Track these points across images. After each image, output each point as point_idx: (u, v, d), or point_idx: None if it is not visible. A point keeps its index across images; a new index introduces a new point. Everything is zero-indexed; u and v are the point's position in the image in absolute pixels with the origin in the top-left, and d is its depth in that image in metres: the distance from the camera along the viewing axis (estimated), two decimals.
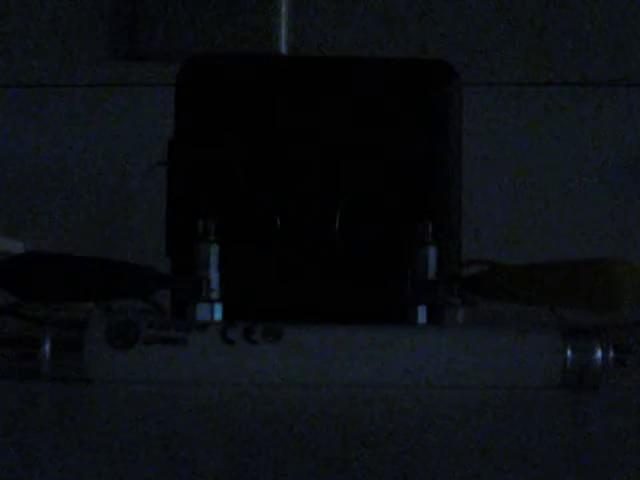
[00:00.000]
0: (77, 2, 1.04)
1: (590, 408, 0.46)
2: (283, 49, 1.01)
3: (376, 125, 0.61)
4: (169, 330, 0.48)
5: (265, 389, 0.47)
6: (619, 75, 1.00)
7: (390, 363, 0.48)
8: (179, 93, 0.61)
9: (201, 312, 0.56)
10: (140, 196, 0.98)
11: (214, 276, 0.56)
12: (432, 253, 0.57)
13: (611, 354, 0.48)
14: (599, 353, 0.47)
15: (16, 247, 0.91)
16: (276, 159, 0.61)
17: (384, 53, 0.99)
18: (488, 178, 0.98)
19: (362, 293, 0.60)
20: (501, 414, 0.44)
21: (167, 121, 0.62)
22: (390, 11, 1.01)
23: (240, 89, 0.62)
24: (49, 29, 1.03)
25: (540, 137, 1.00)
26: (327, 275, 0.60)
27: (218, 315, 0.56)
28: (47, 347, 0.47)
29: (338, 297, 0.60)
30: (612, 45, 1.00)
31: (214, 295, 0.56)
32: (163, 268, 0.58)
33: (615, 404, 0.47)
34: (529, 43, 1.01)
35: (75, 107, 1.03)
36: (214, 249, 0.57)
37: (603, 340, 0.48)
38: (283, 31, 1.01)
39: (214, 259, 0.57)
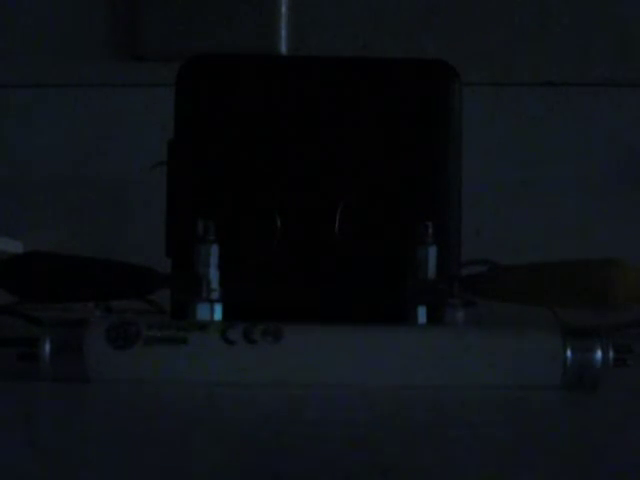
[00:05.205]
0: (77, 2, 1.04)
1: (590, 408, 0.46)
2: (283, 49, 1.01)
3: (376, 125, 0.61)
4: (169, 330, 0.48)
5: (265, 389, 0.47)
6: (619, 75, 1.00)
7: (390, 363, 0.48)
8: (179, 93, 0.61)
9: (201, 312, 0.56)
10: (140, 196, 0.98)
11: (214, 276, 0.56)
12: (432, 253, 0.57)
13: (611, 354, 0.48)
14: (599, 353, 0.47)
15: (16, 247, 0.91)
16: (276, 159, 0.61)
17: (384, 53, 0.99)
18: (488, 178, 0.98)
19: (362, 293, 0.60)
20: (501, 414, 0.44)
21: (167, 121, 0.61)
22: (390, 11, 1.01)
23: (240, 89, 0.61)
24: (49, 29, 1.03)
25: (540, 137, 1.00)
26: (327, 275, 0.60)
27: (218, 315, 0.56)
28: (47, 347, 0.47)
29: (338, 297, 0.60)
30: (612, 45, 1.00)
31: (214, 295, 0.56)
32: (163, 268, 0.58)
33: (615, 404, 0.47)
34: (529, 43, 1.01)
35: (75, 107, 1.03)
36: (214, 249, 0.57)
37: (603, 340, 0.48)
38: (283, 31, 1.01)
39: (214, 259, 0.56)
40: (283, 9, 1.01)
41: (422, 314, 0.57)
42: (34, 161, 1.03)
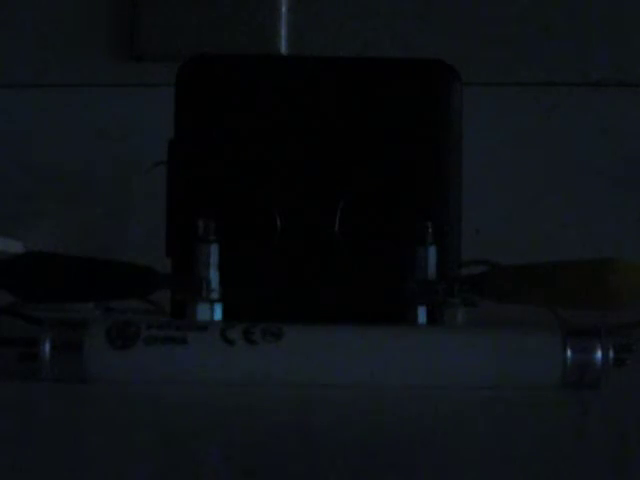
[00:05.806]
0: (77, 2, 1.04)
1: (590, 408, 0.46)
2: (283, 49, 1.01)
3: (376, 125, 0.61)
4: (169, 330, 0.48)
5: (265, 389, 0.47)
6: (619, 75, 1.00)
7: (390, 363, 0.48)
8: (179, 93, 0.61)
9: (201, 312, 0.56)
10: (140, 196, 0.98)
11: (214, 276, 0.56)
12: (432, 253, 0.57)
13: (611, 354, 0.48)
14: (599, 353, 0.47)
15: (16, 247, 0.91)
16: (276, 159, 0.61)
17: (384, 53, 0.99)
18: (488, 178, 0.98)
19: (362, 293, 0.60)
20: (501, 414, 0.44)
21: (167, 121, 0.61)
22: (390, 11, 1.01)
23: (240, 89, 0.61)
24: (49, 29, 1.03)
25: (540, 137, 1.00)
26: (327, 275, 0.60)
27: (218, 315, 0.56)
28: (47, 347, 0.47)
29: (338, 297, 0.60)
30: (612, 45, 1.00)
31: (214, 295, 0.56)
32: (163, 268, 0.58)
33: (615, 404, 0.47)
34: (529, 43, 1.01)
35: (75, 107, 1.03)
36: (214, 249, 0.57)
37: (603, 340, 0.48)
38: (283, 31, 1.01)
39: (214, 259, 0.57)
40: (283, 9, 1.01)
41: (422, 314, 0.57)
42: (34, 161, 1.03)
